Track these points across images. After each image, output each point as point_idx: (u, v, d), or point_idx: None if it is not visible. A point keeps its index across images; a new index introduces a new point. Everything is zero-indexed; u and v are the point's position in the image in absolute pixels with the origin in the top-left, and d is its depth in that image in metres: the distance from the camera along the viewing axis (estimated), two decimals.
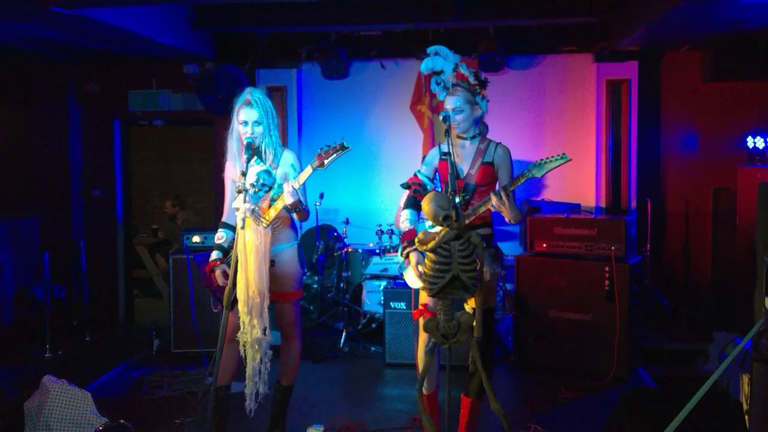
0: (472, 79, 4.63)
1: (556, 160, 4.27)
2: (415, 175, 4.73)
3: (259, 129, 4.55)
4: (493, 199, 4.29)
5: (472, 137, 4.62)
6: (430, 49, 4.77)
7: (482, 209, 4.38)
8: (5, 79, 8.91)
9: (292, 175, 4.54)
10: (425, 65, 4.78)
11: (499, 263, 4.61)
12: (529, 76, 8.40)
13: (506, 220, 4.37)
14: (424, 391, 4.65)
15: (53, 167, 8.88)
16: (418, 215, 4.70)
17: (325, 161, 4.39)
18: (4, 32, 6.79)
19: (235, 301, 4.54)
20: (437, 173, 4.73)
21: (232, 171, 4.73)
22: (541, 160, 4.30)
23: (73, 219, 8.94)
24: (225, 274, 4.64)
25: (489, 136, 4.74)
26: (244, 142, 4.50)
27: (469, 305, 4.39)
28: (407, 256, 4.50)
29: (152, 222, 11.85)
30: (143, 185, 12.25)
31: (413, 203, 4.66)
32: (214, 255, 4.71)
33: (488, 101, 4.67)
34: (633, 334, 6.35)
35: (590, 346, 6.33)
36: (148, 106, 8.88)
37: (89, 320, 8.24)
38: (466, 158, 4.59)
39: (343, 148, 4.41)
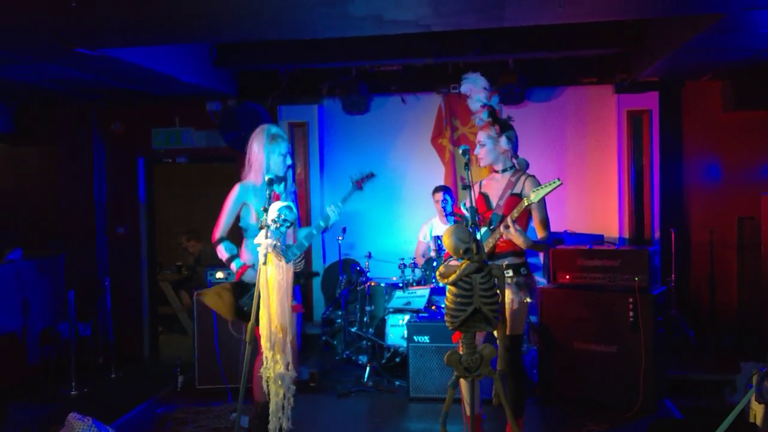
0: (485, 116, 4.77)
1: (549, 185, 4.48)
2: (460, 206, 5.10)
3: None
4: (500, 228, 4.42)
5: (504, 170, 4.80)
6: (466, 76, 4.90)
7: (493, 240, 4.56)
8: (31, 119, 9.05)
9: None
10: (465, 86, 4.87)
11: (527, 292, 4.62)
12: (550, 108, 8.40)
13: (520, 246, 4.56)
14: (467, 412, 4.75)
15: (78, 205, 8.99)
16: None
17: (362, 184, 5.00)
18: (30, 73, 6.91)
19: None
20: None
21: (247, 195, 4.93)
22: (537, 187, 4.53)
23: (98, 256, 9.02)
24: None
25: None
26: (280, 174, 4.81)
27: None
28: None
29: (177, 259, 11.88)
30: (167, 222, 12.29)
31: None
32: (238, 264, 4.87)
33: (509, 139, 4.79)
34: (659, 365, 6.27)
35: (616, 377, 6.26)
36: (172, 144, 8.98)
37: (114, 357, 8.28)
38: (497, 191, 4.78)
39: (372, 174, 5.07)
